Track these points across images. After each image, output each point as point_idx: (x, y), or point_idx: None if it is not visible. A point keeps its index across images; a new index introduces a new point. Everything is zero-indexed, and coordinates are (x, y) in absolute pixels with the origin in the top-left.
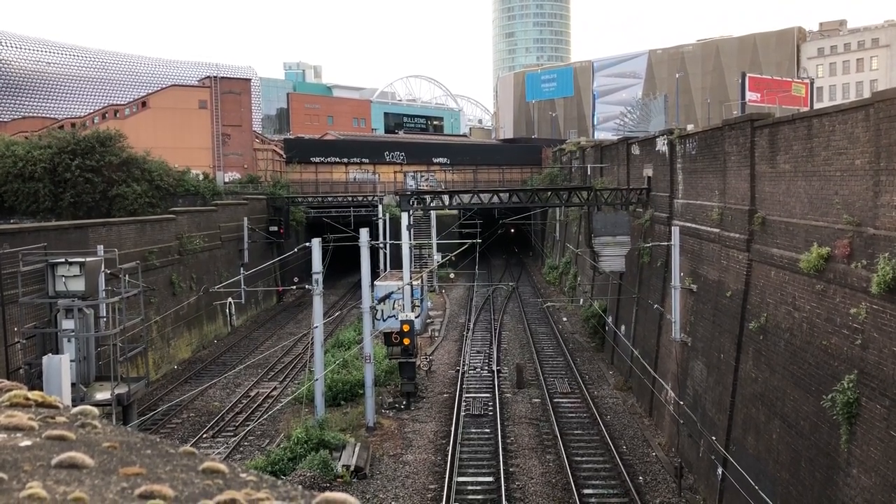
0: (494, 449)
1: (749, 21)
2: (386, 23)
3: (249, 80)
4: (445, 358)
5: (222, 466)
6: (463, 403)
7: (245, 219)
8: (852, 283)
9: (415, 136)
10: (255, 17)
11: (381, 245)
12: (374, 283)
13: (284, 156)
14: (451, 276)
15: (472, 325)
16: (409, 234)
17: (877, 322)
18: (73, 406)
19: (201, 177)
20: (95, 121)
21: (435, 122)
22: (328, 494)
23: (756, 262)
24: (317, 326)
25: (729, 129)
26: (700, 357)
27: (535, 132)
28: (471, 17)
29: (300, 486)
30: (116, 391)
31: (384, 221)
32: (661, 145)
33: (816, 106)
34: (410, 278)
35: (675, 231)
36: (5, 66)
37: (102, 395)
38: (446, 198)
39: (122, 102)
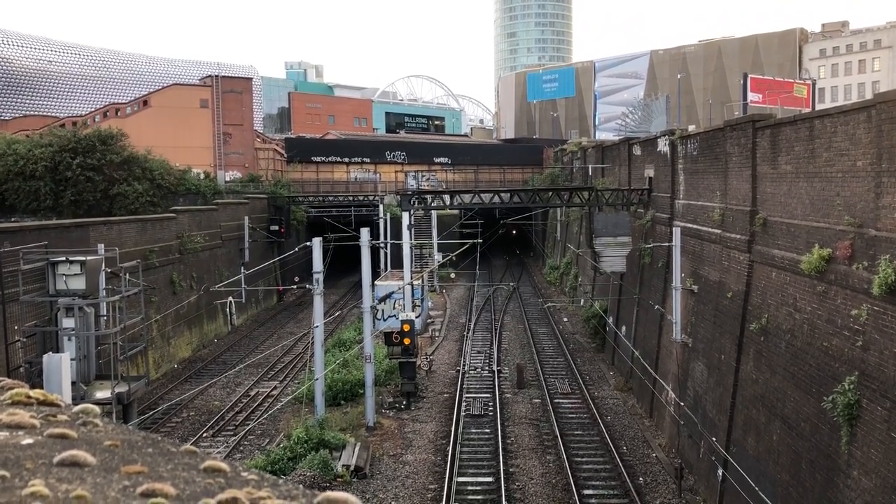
0: (494, 449)
1: (750, 22)
2: (387, 22)
3: (251, 79)
4: (446, 358)
5: (224, 465)
6: (463, 403)
7: (246, 218)
8: (853, 284)
9: (416, 135)
10: (257, 17)
11: (382, 245)
12: (375, 282)
13: (285, 155)
14: (452, 276)
15: (472, 325)
16: (410, 233)
17: (878, 324)
18: (74, 405)
19: (202, 176)
20: (97, 119)
21: (436, 122)
22: (329, 494)
23: (757, 264)
24: (317, 326)
25: (730, 130)
26: (701, 358)
27: (536, 132)
28: (472, 17)
29: (301, 486)
30: (116, 390)
31: (385, 221)
32: (663, 146)
33: (818, 107)
34: (411, 278)
35: (677, 232)
36: (7, 64)
37: (103, 393)
38: (447, 197)
39: (124, 101)
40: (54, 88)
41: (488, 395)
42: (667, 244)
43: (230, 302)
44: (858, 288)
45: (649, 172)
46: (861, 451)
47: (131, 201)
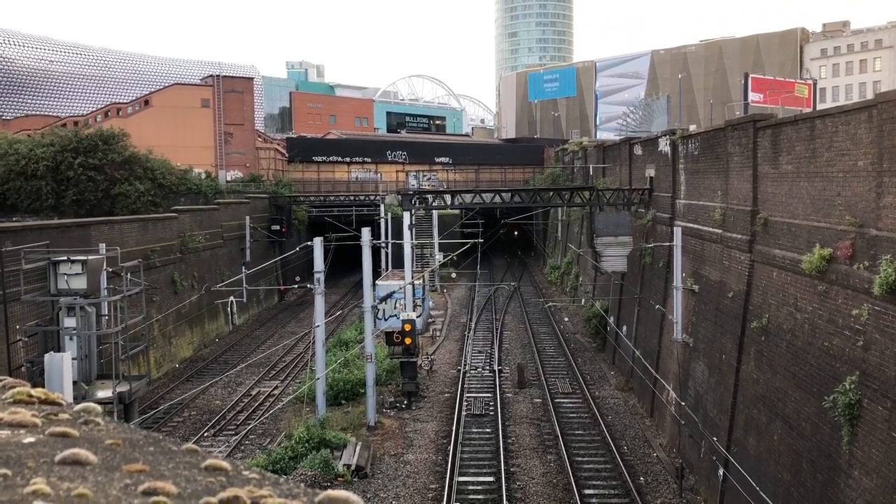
0: (495, 449)
1: (750, 22)
2: (389, 22)
3: (252, 78)
4: (447, 357)
5: (225, 464)
6: (464, 403)
7: (247, 218)
8: (854, 284)
9: (417, 135)
10: (258, 16)
11: (383, 244)
12: (376, 282)
13: (287, 155)
14: (453, 275)
15: (473, 325)
16: (411, 233)
17: (879, 323)
18: (75, 404)
19: (203, 175)
20: (98, 119)
21: (437, 122)
22: (331, 492)
23: (758, 263)
24: (318, 325)
25: (731, 130)
26: (701, 358)
27: (537, 132)
28: (474, 17)
29: (302, 485)
30: (118, 389)
31: (386, 221)
32: (664, 146)
33: (819, 107)
34: (412, 278)
35: (677, 231)
36: (9, 64)
37: (104, 393)
38: (448, 197)
39: (125, 101)
40: (56, 88)
41: (489, 395)
42: (668, 244)
43: (231, 301)
44: (859, 288)
45: (650, 172)
46: (862, 450)
47: (133, 201)
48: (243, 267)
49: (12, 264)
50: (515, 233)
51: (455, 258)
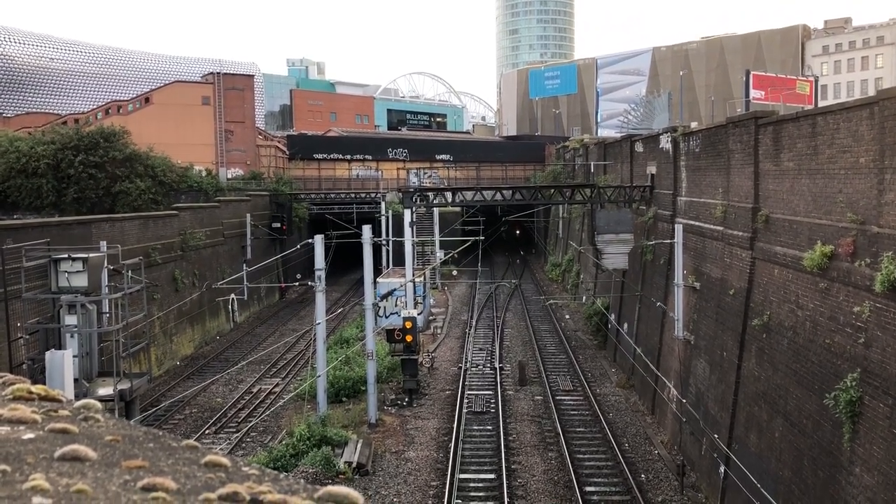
0: (496, 446)
1: (750, 20)
2: (389, 20)
3: (252, 76)
4: (448, 355)
5: (224, 460)
6: (465, 400)
7: (248, 215)
8: (856, 281)
9: (418, 132)
10: (259, 14)
11: (384, 242)
12: (377, 280)
13: (287, 152)
14: (454, 273)
15: (474, 323)
16: (412, 231)
17: (880, 320)
18: (75, 401)
19: (204, 173)
20: (99, 116)
21: (438, 119)
22: (331, 488)
23: (759, 260)
24: (319, 323)
25: (733, 127)
26: (703, 355)
27: (538, 129)
28: (474, 14)
29: (302, 481)
30: (119, 387)
31: (387, 218)
32: (665, 143)
33: (821, 104)
34: (413, 275)
35: (679, 229)
36: (9, 61)
37: (105, 390)
38: (449, 195)
39: (126, 98)
40: (56, 86)
41: (490, 392)
42: (669, 241)
43: (232, 299)
44: (861, 285)
45: (651, 169)
46: (863, 447)
47: (134, 198)
48: (244, 264)
49: (13, 262)
50: (517, 231)
51: (456, 256)
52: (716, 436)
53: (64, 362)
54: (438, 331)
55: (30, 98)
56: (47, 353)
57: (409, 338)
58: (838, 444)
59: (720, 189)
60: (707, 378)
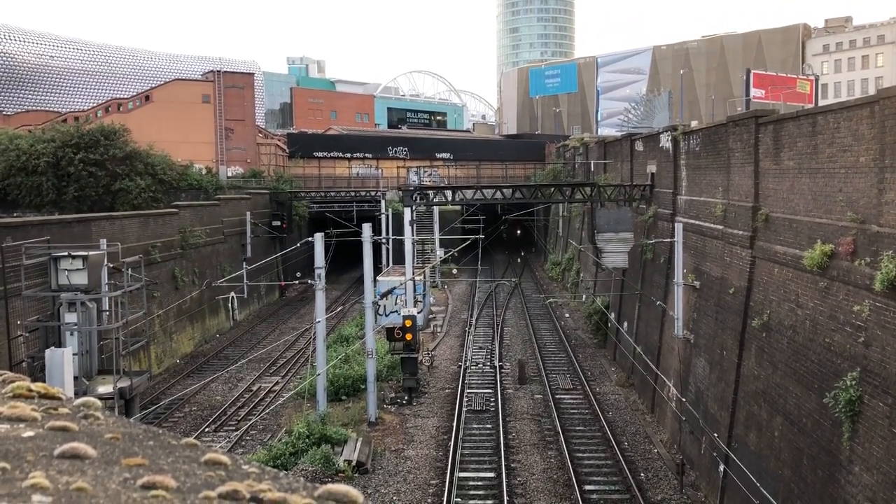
0: (496, 444)
1: (750, 19)
2: (390, 18)
3: (252, 74)
4: (447, 353)
5: (224, 458)
6: (465, 399)
7: (248, 213)
8: (856, 280)
9: (418, 131)
10: (259, 12)
11: (384, 240)
12: (377, 278)
13: (287, 150)
14: (454, 271)
15: (474, 321)
16: (412, 229)
17: (880, 319)
18: (75, 399)
19: (204, 171)
20: (99, 114)
21: (438, 118)
22: (331, 486)
23: (759, 259)
24: (319, 321)
25: (733, 126)
26: (702, 354)
27: (538, 128)
28: (475, 13)
29: (302, 479)
30: (119, 385)
31: (387, 217)
32: (665, 141)
33: (821, 103)
34: (413, 274)
35: (679, 227)
36: (9, 59)
37: (105, 388)
38: (449, 193)
39: (126, 96)
40: (56, 84)
41: (490, 391)
42: (669, 240)
43: (232, 297)
44: (861, 284)
45: (651, 168)
46: (862, 447)
47: (134, 196)
48: (244, 263)
49: (13, 260)
50: (518, 231)
51: (456, 254)
52: (715, 435)
53: (64, 360)
54: (438, 329)
55: (30, 96)
56: (47, 351)
57: (408, 336)
58: (838, 443)
59: (720, 188)
60: (707, 377)
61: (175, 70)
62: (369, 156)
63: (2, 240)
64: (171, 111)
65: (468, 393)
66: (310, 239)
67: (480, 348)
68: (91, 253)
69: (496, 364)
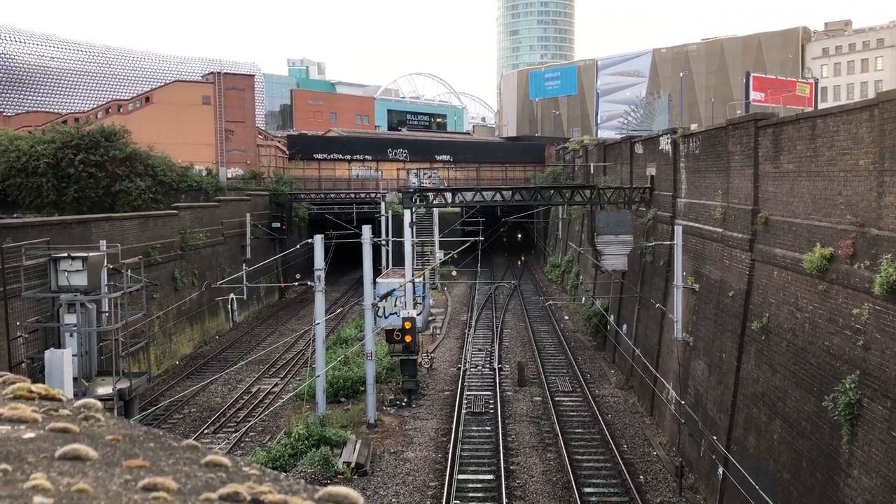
0: (495, 447)
1: (750, 21)
2: (390, 20)
3: (253, 76)
4: (447, 355)
5: (225, 460)
6: (464, 401)
7: (248, 215)
8: (855, 283)
9: (418, 133)
10: (259, 14)
11: (384, 242)
12: (376, 280)
13: (287, 152)
14: (454, 273)
15: (473, 323)
16: (412, 231)
17: (879, 323)
18: (75, 400)
19: (204, 172)
20: (99, 116)
21: (438, 120)
22: (331, 489)
23: (759, 262)
24: (319, 323)
25: (733, 129)
26: (702, 356)
27: (538, 130)
28: (475, 15)
29: (302, 481)
30: (118, 386)
31: (387, 219)
32: (665, 144)
33: (821, 106)
34: (412, 276)
35: (678, 230)
36: (9, 60)
37: (104, 389)
38: (449, 195)
39: (126, 98)
40: (57, 85)
41: (489, 393)
42: (668, 242)
43: (232, 299)
44: (860, 287)
45: (651, 171)
46: (862, 450)
47: (134, 198)
48: (244, 264)
49: (13, 261)
50: (518, 234)
51: (455, 256)
52: (714, 437)
53: (63, 361)
54: (438, 331)
55: (30, 97)
56: (47, 352)
57: (408, 338)
58: (837, 446)
59: (720, 191)
60: (706, 379)
61: (175, 71)
62: (369, 157)
63: (2, 241)
64: (171, 112)
65: (467, 395)
66: (309, 241)
67: (480, 350)
68: (91, 254)
69: (495, 366)
